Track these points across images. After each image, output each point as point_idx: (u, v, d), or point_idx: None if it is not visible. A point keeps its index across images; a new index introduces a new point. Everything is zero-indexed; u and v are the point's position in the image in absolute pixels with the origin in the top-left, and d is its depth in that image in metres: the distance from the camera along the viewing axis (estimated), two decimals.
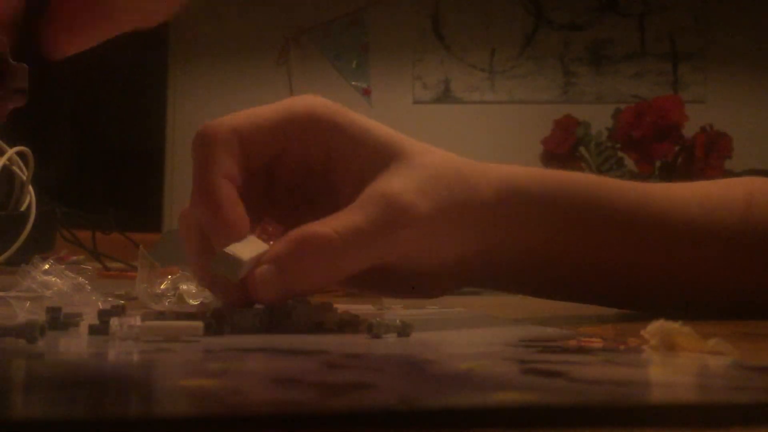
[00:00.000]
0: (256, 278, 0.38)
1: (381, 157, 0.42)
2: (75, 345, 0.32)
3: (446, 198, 0.43)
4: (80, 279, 0.46)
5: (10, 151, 0.85)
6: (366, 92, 3.56)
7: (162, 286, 0.45)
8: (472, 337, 0.37)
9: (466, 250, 0.44)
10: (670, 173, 1.83)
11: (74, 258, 0.84)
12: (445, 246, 0.44)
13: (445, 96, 3.57)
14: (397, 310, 0.48)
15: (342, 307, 0.40)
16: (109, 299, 0.44)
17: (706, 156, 1.84)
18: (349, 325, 0.37)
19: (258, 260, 0.38)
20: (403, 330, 0.34)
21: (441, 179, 0.43)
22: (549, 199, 0.46)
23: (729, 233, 0.49)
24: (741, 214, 0.49)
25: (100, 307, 0.39)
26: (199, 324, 0.33)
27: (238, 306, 0.38)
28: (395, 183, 0.41)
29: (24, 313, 0.39)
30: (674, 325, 0.29)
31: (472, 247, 0.45)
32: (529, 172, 0.47)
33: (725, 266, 0.49)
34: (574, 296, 0.51)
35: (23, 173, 0.86)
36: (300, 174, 0.44)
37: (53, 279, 0.46)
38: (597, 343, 0.31)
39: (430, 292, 0.46)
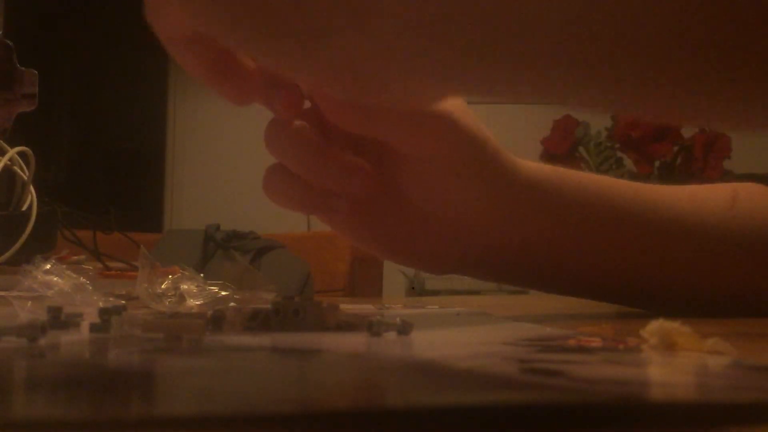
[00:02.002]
0: None
1: None
2: (76, 344, 0.32)
3: (482, 138, 0.44)
4: (81, 279, 0.46)
5: (12, 151, 0.85)
6: None
7: (163, 286, 0.45)
8: (471, 336, 0.37)
9: (480, 219, 0.46)
10: (669, 173, 1.83)
11: (75, 258, 0.84)
12: (462, 196, 0.45)
13: None
14: (397, 309, 0.48)
15: (342, 306, 0.40)
16: (110, 299, 0.44)
17: (705, 156, 1.84)
18: (350, 324, 0.37)
19: None
20: (403, 328, 0.34)
21: (482, 128, 0.44)
22: (567, 195, 0.48)
23: (716, 229, 0.50)
24: (727, 209, 0.51)
25: (101, 306, 0.39)
26: (200, 322, 0.33)
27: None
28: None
29: (25, 312, 0.39)
30: (673, 325, 0.29)
31: (485, 215, 0.46)
32: (549, 167, 0.49)
33: (714, 262, 0.50)
34: (570, 291, 0.51)
35: (24, 173, 0.87)
36: None
37: (54, 279, 0.46)
38: (596, 342, 0.31)
39: (431, 263, 0.47)
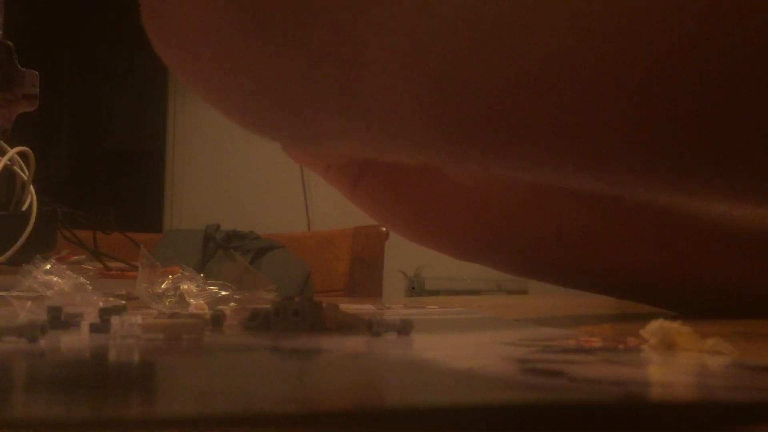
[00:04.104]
0: None
1: None
2: (76, 344, 0.32)
3: None
4: (81, 279, 0.47)
5: (12, 151, 0.85)
6: None
7: (163, 286, 0.45)
8: (471, 336, 0.37)
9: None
10: None
11: (75, 258, 0.84)
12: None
13: None
14: (397, 309, 0.48)
15: (342, 306, 0.40)
16: (110, 299, 0.44)
17: None
18: (349, 324, 0.37)
19: None
20: (403, 328, 0.34)
21: None
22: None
23: (744, 222, 0.49)
24: None
25: (101, 306, 0.39)
26: (200, 322, 0.33)
27: None
28: None
29: (25, 312, 0.39)
30: (673, 325, 0.29)
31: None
32: None
33: (739, 258, 0.49)
34: (591, 284, 0.50)
35: (24, 173, 0.87)
36: None
37: (54, 279, 0.46)
38: (596, 342, 0.31)
39: (458, 242, 0.46)
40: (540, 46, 0.23)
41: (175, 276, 0.46)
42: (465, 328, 0.40)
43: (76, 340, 0.32)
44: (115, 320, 0.32)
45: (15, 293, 0.48)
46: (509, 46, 0.23)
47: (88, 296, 0.45)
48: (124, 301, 0.42)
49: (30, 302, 0.42)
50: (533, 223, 0.46)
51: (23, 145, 0.87)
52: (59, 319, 0.35)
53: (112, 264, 0.94)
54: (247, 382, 0.24)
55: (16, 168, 0.86)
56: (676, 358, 0.28)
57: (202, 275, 0.47)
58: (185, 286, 0.46)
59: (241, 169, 3.63)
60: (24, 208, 0.85)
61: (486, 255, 0.47)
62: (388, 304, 0.50)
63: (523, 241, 0.46)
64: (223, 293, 0.46)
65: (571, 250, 0.47)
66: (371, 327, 0.34)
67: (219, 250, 1.66)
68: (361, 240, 1.93)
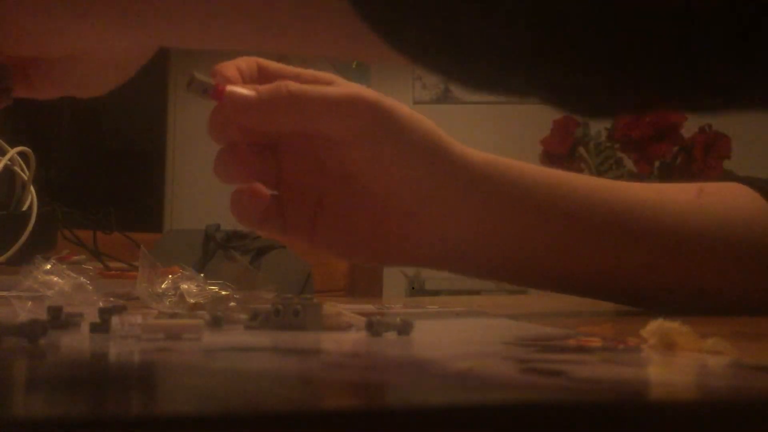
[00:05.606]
0: (233, 91, 0.45)
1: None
2: (76, 344, 0.32)
3: (429, 131, 0.46)
4: (81, 279, 0.46)
5: (12, 151, 0.85)
6: None
7: (163, 286, 0.45)
8: (471, 336, 0.37)
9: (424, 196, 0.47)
10: (668, 173, 1.84)
11: (75, 258, 0.84)
12: (404, 179, 0.46)
13: (445, 96, 3.57)
14: (397, 309, 0.48)
15: (342, 306, 0.40)
16: (110, 299, 0.44)
17: (704, 156, 1.84)
18: (350, 324, 0.37)
19: None
20: (403, 328, 0.34)
21: (407, 111, 0.46)
22: (520, 188, 0.48)
23: (678, 217, 0.50)
24: (691, 201, 0.51)
25: (101, 306, 0.39)
26: (200, 322, 0.33)
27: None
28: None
29: (25, 312, 0.39)
30: (673, 325, 0.29)
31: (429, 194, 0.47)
32: (510, 161, 0.50)
33: (675, 254, 0.50)
34: (535, 284, 0.52)
35: (24, 173, 0.87)
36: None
37: (55, 279, 0.46)
38: (596, 342, 0.31)
39: (390, 255, 0.49)
40: None
41: (175, 276, 0.46)
42: (465, 328, 0.40)
43: (76, 340, 0.32)
44: (115, 320, 0.32)
45: (15, 293, 0.48)
46: None
47: (88, 296, 0.45)
48: (124, 301, 0.42)
49: (30, 302, 0.42)
50: (456, 229, 0.48)
51: (23, 145, 0.87)
52: (59, 319, 0.35)
53: (112, 264, 0.94)
54: (247, 382, 0.24)
55: (16, 168, 0.86)
56: (676, 358, 0.28)
57: (202, 275, 0.47)
58: (185, 286, 0.46)
59: None
60: (24, 208, 0.85)
61: (424, 261, 0.50)
62: (388, 304, 0.50)
63: (453, 247, 0.49)
64: (223, 293, 0.46)
65: (498, 254, 0.49)
66: (371, 327, 0.34)
67: (219, 250, 1.65)
68: None
